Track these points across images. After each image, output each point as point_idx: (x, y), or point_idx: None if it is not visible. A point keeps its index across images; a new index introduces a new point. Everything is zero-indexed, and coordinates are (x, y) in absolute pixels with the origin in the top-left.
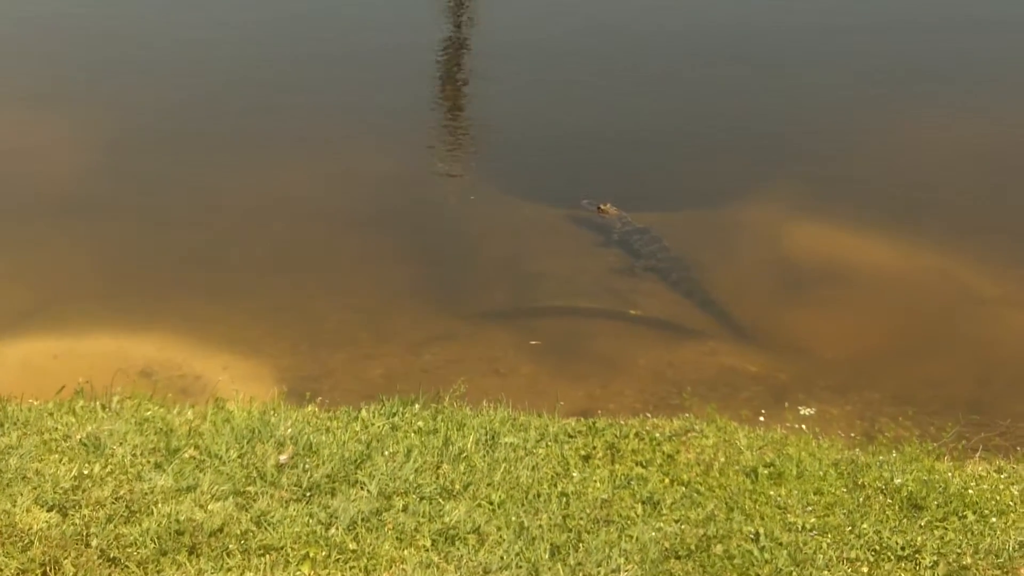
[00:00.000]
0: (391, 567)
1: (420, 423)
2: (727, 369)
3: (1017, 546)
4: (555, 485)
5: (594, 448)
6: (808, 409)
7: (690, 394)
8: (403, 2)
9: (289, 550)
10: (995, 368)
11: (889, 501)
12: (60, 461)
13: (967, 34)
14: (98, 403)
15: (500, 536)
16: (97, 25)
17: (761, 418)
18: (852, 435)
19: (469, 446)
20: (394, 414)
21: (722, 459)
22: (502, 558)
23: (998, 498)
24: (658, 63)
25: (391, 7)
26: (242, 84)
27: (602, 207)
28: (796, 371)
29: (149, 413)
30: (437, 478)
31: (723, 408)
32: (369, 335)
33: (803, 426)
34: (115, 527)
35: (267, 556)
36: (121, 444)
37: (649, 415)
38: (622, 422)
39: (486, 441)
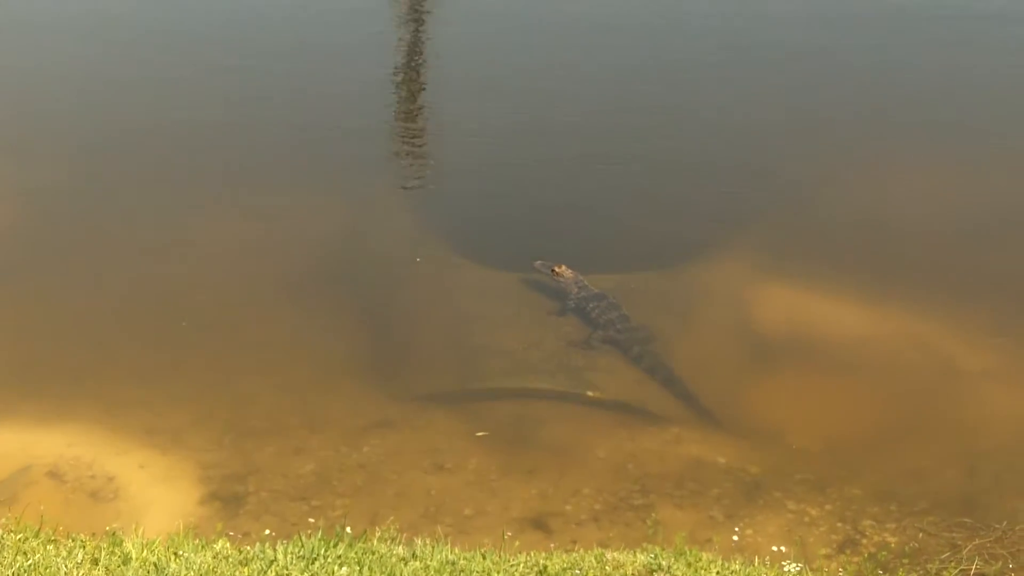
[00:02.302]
0: None
1: (344, 572)
2: (694, 461)
3: None
4: None
5: None
6: (795, 565)
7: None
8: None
9: None
10: (981, 457)
11: None
12: None
13: (941, 81)
14: None
15: None
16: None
17: (735, 537)
18: (834, 537)
19: None
20: (315, 559)
21: None
22: None
23: None
24: (611, 108)
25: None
26: (151, 134)
27: (556, 269)
28: (768, 462)
29: (31, 561)
30: None
31: (692, 508)
32: (301, 422)
33: (781, 547)
34: None
35: None
36: None
37: (609, 550)
38: (578, 558)
39: None
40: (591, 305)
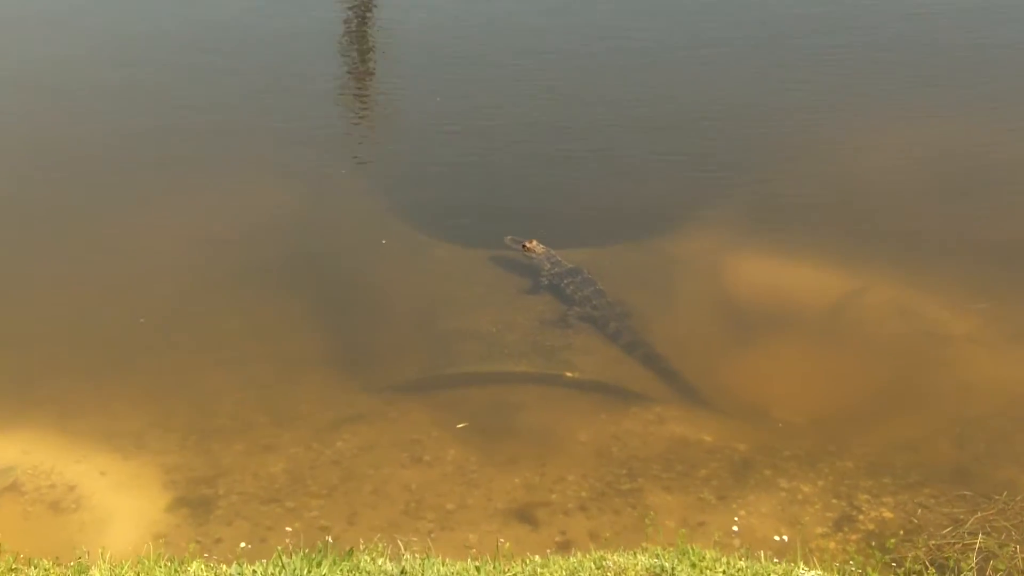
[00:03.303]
0: None
1: None
2: (679, 441)
3: None
4: None
5: None
6: (807, 571)
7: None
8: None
9: None
10: (972, 424)
11: None
12: None
13: (917, 48)
14: None
15: None
16: None
17: (735, 527)
18: (829, 515)
19: None
20: None
21: None
22: None
23: None
24: (579, 79)
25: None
26: (98, 128)
27: (527, 245)
28: (756, 439)
29: None
30: None
31: (682, 491)
32: (268, 419)
33: (783, 536)
34: None
35: None
36: None
37: (608, 552)
38: (576, 564)
39: None
40: (565, 281)
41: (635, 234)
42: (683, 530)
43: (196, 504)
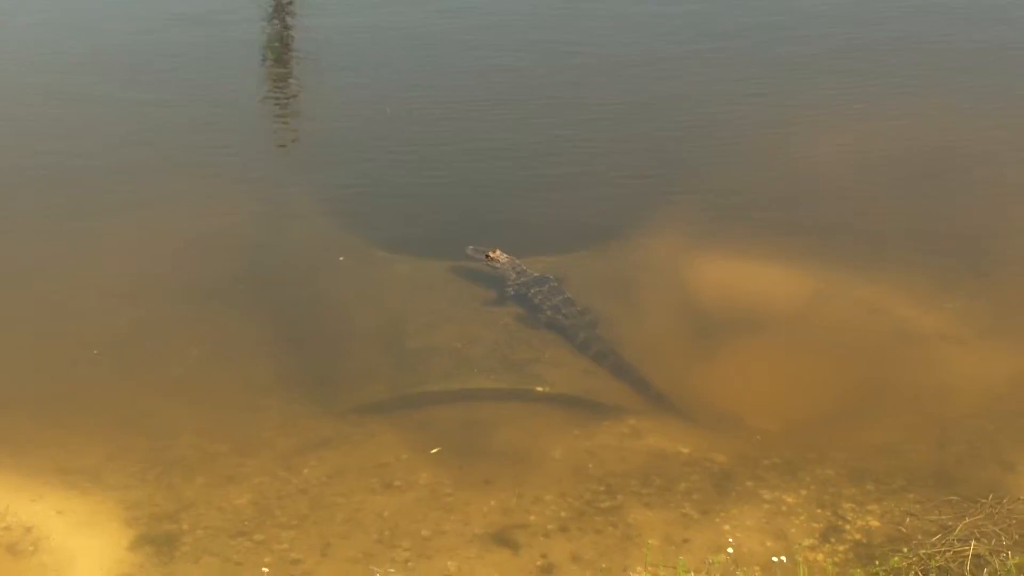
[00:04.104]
0: None
1: None
2: (656, 454)
3: None
4: None
5: None
6: None
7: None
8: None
9: None
10: (951, 424)
11: None
12: None
13: (874, 49)
14: None
15: None
16: None
17: (730, 550)
18: (815, 525)
19: None
20: None
21: None
22: None
23: None
24: (530, 81)
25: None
26: (29, 142)
27: (491, 255)
28: (734, 448)
29: None
30: None
31: (663, 506)
32: (230, 448)
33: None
34: None
35: None
36: None
37: None
38: None
39: None
40: (533, 291)
41: (600, 241)
42: (682, 557)
43: (160, 541)
